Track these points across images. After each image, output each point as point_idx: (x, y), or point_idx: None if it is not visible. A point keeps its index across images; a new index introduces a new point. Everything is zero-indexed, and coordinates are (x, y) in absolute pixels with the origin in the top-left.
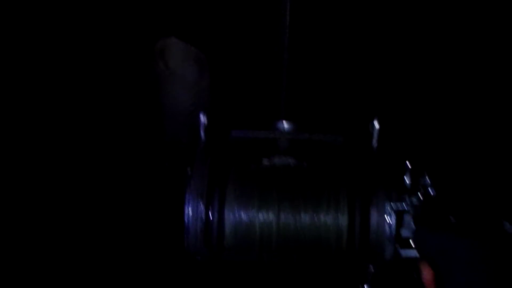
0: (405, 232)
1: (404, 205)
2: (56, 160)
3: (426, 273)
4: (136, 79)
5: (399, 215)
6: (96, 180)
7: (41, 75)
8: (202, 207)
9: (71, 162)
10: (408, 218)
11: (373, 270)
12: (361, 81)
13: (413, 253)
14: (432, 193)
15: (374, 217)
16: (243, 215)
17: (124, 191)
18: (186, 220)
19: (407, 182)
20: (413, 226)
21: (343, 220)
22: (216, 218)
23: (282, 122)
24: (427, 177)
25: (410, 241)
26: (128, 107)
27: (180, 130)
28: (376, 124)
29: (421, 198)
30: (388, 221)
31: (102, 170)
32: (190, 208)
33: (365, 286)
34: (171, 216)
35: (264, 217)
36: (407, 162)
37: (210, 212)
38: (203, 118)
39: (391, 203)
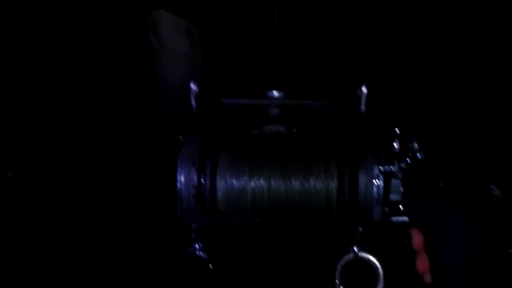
0: (393, 196)
1: (393, 168)
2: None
3: (416, 238)
4: (128, 53)
5: (387, 177)
6: (91, 155)
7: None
8: (194, 173)
9: (63, 138)
10: (396, 182)
11: (361, 232)
12: (350, 47)
13: (404, 218)
14: (420, 158)
15: (362, 179)
16: (235, 182)
17: (119, 165)
18: (178, 186)
19: (396, 147)
20: (401, 190)
21: (333, 184)
22: (209, 185)
23: (272, 91)
24: (415, 143)
25: (400, 206)
26: (121, 81)
27: (173, 102)
28: (364, 89)
29: (410, 163)
30: (376, 184)
31: (96, 145)
32: (182, 175)
33: (354, 247)
34: (166, 188)
35: (255, 183)
36: (396, 128)
37: (202, 179)
38: (193, 87)
39: (380, 166)
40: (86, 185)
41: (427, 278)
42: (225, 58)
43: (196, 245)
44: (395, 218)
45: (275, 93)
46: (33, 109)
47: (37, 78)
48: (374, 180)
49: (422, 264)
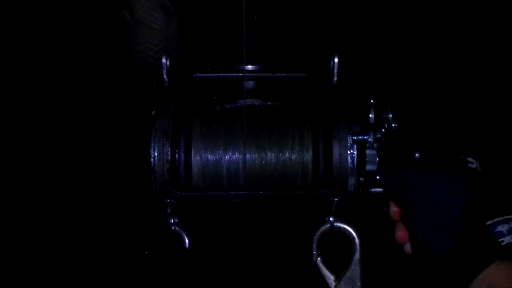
0: (369, 166)
1: (367, 138)
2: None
3: (394, 208)
4: (102, 30)
5: (362, 147)
6: (69, 134)
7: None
8: (168, 148)
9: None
10: (372, 153)
11: (337, 202)
12: (323, 17)
13: (380, 190)
14: (394, 127)
15: (336, 149)
16: (210, 156)
17: (96, 143)
18: (152, 162)
19: (371, 117)
20: (377, 160)
21: (307, 155)
22: (183, 159)
23: (246, 65)
24: (390, 113)
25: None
26: (96, 59)
27: (150, 78)
28: (336, 60)
29: (384, 133)
30: (350, 154)
31: (73, 123)
32: (156, 150)
33: (330, 218)
34: (143, 165)
35: (230, 157)
36: (371, 99)
37: (176, 153)
38: (165, 60)
39: (353, 136)
40: (65, 162)
41: (407, 248)
42: (200, 33)
43: (172, 220)
44: (374, 190)
45: (249, 66)
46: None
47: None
48: (348, 150)
49: (401, 234)
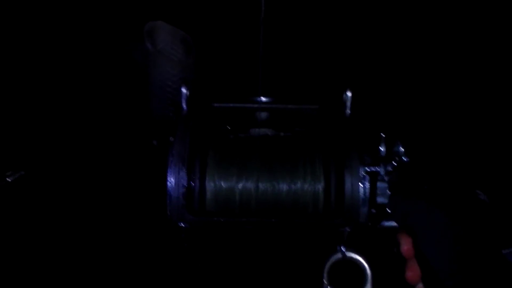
0: (380, 199)
1: (378, 169)
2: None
3: (405, 246)
4: (125, 60)
5: (374, 179)
6: (85, 160)
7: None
8: (184, 173)
9: (59, 141)
10: (383, 186)
11: (348, 232)
12: (335, 51)
13: (393, 223)
14: (406, 161)
15: (348, 180)
16: (223, 183)
17: (113, 171)
18: (168, 185)
19: (382, 150)
20: (388, 193)
21: (319, 185)
22: (198, 185)
23: (260, 97)
24: (400, 146)
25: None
26: (116, 87)
27: (167, 107)
28: (349, 93)
29: (396, 166)
30: (362, 184)
31: (91, 150)
32: (172, 175)
33: (341, 247)
34: (158, 190)
35: (243, 185)
36: (381, 132)
37: (191, 178)
38: (184, 90)
39: (365, 167)
40: (80, 187)
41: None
42: (217, 66)
43: (186, 245)
44: (385, 223)
45: (263, 98)
46: (32, 114)
47: (33, 81)
48: (360, 181)
49: (412, 273)
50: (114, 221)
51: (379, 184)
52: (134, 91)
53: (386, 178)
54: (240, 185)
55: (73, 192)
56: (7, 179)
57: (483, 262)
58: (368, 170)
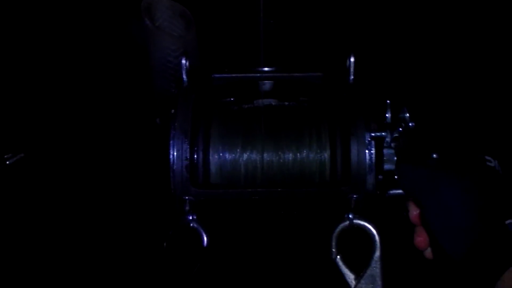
0: (387, 166)
1: (385, 135)
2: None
3: (414, 212)
4: (124, 38)
5: (380, 145)
6: (87, 140)
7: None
8: (187, 145)
9: (59, 121)
10: (389, 152)
11: (356, 199)
12: (337, 17)
13: (401, 191)
14: (411, 126)
15: (354, 147)
16: (228, 155)
17: (116, 150)
18: (171, 159)
19: (388, 116)
20: (395, 159)
21: (325, 153)
22: (201, 158)
23: (263, 67)
24: (407, 112)
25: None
26: (117, 66)
27: (169, 84)
28: (352, 59)
29: (402, 132)
30: (368, 151)
31: (92, 130)
32: (175, 148)
33: (349, 215)
34: (161, 166)
35: (248, 156)
36: (387, 98)
37: (195, 151)
38: (184, 61)
39: (371, 134)
40: (82, 167)
41: (428, 253)
42: (218, 39)
43: (190, 217)
44: (393, 191)
45: (266, 69)
46: (31, 94)
47: (32, 61)
48: (366, 148)
49: (420, 239)
50: (117, 201)
51: (385, 150)
52: (135, 69)
53: (392, 145)
54: (245, 157)
55: (74, 172)
56: (7, 162)
57: (491, 235)
58: (374, 135)
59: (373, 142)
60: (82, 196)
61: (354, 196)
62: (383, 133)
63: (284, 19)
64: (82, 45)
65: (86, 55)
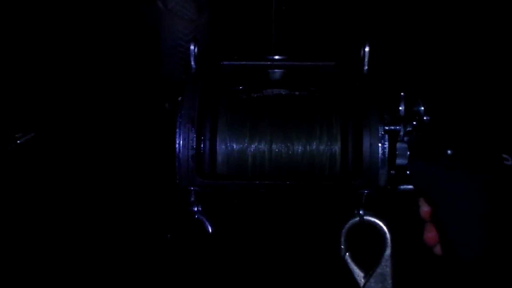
0: (400, 160)
1: (398, 129)
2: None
3: (424, 208)
4: (136, 20)
5: (393, 139)
6: (97, 123)
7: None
8: (193, 134)
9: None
10: (402, 146)
11: (367, 195)
12: (351, 4)
13: (410, 187)
14: (426, 120)
15: (366, 140)
16: (235, 145)
17: (125, 135)
18: (177, 148)
19: (401, 109)
20: (408, 154)
21: (336, 145)
22: (208, 147)
23: (274, 55)
24: (421, 105)
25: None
26: (127, 49)
27: (179, 68)
28: (367, 48)
29: (416, 126)
30: (381, 144)
31: (102, 113)
32: (181, 136)
33: (360, 210)
34: (169, 156)
35: (256, 146)
36: (401, 91)
37: (201, 140)
38: (193, 47)
39: (384, 126)
40: (91, 150)
41: (437, 250)
42: (230, 25)
43: (195, 208)
44: (403, 187)
45: (276, 57)
46: (43, 74)
47: (43, 44)
48: (379, 141)
49: (430, 235)
50: (124, 190)
51: (398, 144)
52: (145, 52)
53: (405, 139)
54: (252, 147)
55: (84, 154)
56: (18, 141)
57: (505, 238)
58: (388, 129)
59: (386, 136)
60: (89, 182)
61: (365, 191)
62: (397, 127)
63: (296, 5)
64: (92, 27)
65: (96, 36)
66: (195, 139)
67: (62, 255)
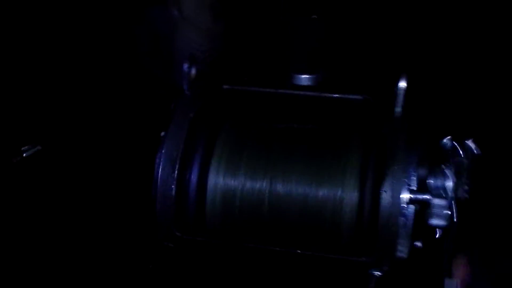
0: (435, 220)
1: (434, 186)
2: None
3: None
4: (148, 28)
5: (423, 205)
6: (104, 127)
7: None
8: (173, 180)
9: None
10: (441, 203)
11: (378, 277)
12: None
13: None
14: (477, 153)
15: (387, 197)
16: (228, 184)
17: (134, 145)
18: (154, 194)
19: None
20: (447, 213)
21: (350, 197)
22: (195, 186)
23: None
24: (471, 144)
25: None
26: (138, 57)
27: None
28: (403, 84)
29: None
30: (404, 208)
31: (110, 123)
32: (160, 181)
33: None
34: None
35: (252, 188)
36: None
37: (186, 182)
38: (188, 69)
39: (411, 195)
40: (99, 161)
41: None
42: (248, 38)
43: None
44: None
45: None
46: (50, 85)
47: (52, 50)
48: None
49: None
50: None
51: (436, 200)
52: (157, 62)
53: (450, 192)
54: (247, 186)
55: (90, 166)
56: (24, 154)
57: None
58: (414, 198)
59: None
60: (95, 186)
61: (377, 273)
62: (432, 183)
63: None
64: (103, 32)
65: (107, 43)
66: (175, 185)
67: (63, 267)
